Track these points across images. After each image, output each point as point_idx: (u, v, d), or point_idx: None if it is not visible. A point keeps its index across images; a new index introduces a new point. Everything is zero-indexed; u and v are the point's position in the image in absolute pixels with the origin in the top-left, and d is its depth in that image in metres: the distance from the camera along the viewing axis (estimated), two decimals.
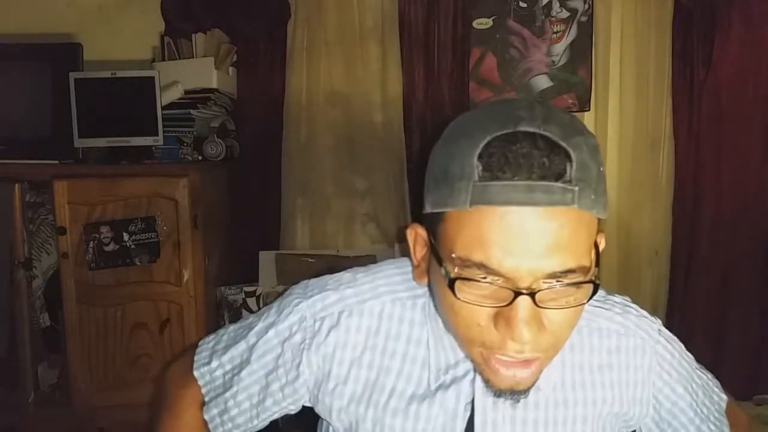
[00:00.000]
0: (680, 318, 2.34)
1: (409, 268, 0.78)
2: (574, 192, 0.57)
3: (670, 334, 0.85)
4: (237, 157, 2.38)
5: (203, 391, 0.86)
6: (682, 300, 2.35)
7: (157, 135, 2.13)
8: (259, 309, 2.26)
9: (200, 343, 0.90)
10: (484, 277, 0.60)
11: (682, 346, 0.85)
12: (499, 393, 0.67)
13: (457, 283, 0.61)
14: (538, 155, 0.57)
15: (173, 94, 2.21)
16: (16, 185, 2.11)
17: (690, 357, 0.87)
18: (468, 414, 0.75)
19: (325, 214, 2.45)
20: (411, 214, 2.41)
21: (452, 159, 0.61)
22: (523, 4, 2.33)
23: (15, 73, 2.18)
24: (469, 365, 0.74)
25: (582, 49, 2.33)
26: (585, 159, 0.59)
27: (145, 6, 2.39)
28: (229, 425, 0.84)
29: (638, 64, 2.33)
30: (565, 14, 2.32)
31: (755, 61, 2.25)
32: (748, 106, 2.27)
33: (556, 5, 2.32)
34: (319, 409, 0.81)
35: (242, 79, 2.39)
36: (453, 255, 0.61)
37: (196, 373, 0.87)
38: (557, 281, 0.60)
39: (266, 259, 2.31)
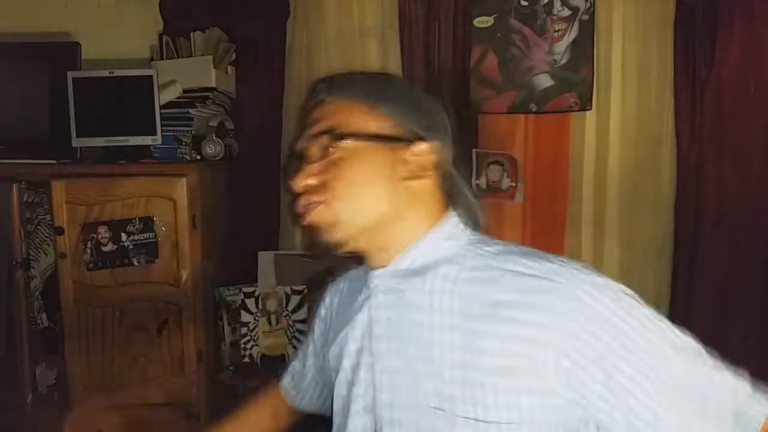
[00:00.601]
0: (682, 318, 2.32)
1: None
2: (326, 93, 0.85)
3: (615, 286, 0.73)
4: (236, 157, 2.36)
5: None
6: (684, 300, 2.33)
7: (155, 134, 2.11)
8: (258, 310, 2.26)
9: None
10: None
11: (641, 306, 0.72)
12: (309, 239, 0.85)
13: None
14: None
15: (171, 93, 2.20)
16: (14, 185, 2.11)
17: (657, 322, 0.72)
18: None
19: None
20: None
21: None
22: (524, 3, 2.31)
23: (13, 72, 2.18)
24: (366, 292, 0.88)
25: (584, 48, 2.31)
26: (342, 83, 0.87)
27: (144, 4, 2.38)
28: (292, 378, 1.13)
29: (640, 62, 2.31)
30: (566, 13, 2.31)
31: (758, 59, 2.23)
32: (751, 105, 2.25)
33: (557, 4, 2.30)
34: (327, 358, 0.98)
35: (241, 78, 2.37)
36: None
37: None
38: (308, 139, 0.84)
39: (265, 259, 2.29)
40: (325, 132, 0.81)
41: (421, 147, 0.83)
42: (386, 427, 0.79)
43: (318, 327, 1.04)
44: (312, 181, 0.81)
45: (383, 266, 0.84)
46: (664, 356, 0.70)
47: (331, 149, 0.81)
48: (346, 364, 0.87)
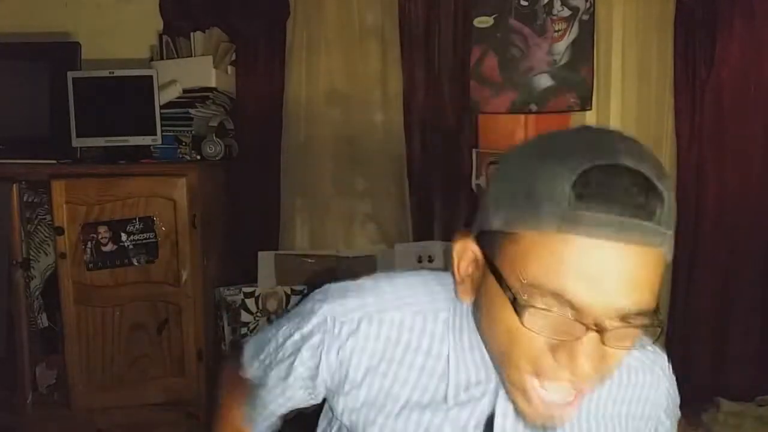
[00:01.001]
0: (682, 318, 2.32)
1: (433, 281, 0.78)
2: (665, 235, 0.58)
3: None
4: (236, 157, 2.36)
5: (251, 385, 0.94)
6: (684, 300, 2.33)
7: (155, 134, 2.11)
8: (258, 310, 2.27)
9: (245, 344, 0.95)
10: (556, 307, 0.59)
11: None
12: (532, 425, 0.66)
13: (527, 310, 0.59)
14: (637, 192, 0.57)
15: (171, 93, 2.20)
16: (14, 185, 2.11)
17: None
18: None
19: (324, 214, 2.44)
20: (412, 215, 2.39)
21: (541, 178, 0.59)
22: (524, 3, 2.31)
23: (13, 72, 2.18)
24: (488, 386, 0.72)
25: (584, 48, 2.31)
26: (672, 203, 0.59)
27: (144, 4, 2.38)
28: (262, 412, 0.91)
29: (640, 63, 2.31)
30: (566, 13, 2.31)
31: (757, 60, 2.23)
32: (750, 105, 2.25)
33: (557, 4, 2.30)
34: (332, 406, 0.82)
35: (241, 78, 2.37)
36: (523, 279, 0.60)
37: (247, 374, 0.94)
38: (629, 322, 0.59)
39: (265, 259, 2.29)
40: (647, 315, 0.60)
41: None
42: None
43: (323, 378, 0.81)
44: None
45: None
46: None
47: (636, 337, 0.62)
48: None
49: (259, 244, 2.35)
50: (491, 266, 0.64)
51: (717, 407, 2.21)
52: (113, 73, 2.11)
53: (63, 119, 2.09)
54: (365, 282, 0.81)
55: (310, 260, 2.29)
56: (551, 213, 0.57)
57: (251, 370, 0.91)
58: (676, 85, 2.28)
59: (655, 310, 0.60)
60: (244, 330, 2.19)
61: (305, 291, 2.23)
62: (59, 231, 2.00)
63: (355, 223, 2.46)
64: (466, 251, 0.68)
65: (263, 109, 2.38)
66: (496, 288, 0.62)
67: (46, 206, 2.14)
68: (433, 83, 2.35)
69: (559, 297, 0.58)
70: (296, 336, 0.82)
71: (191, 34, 2.33)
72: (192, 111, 2.19)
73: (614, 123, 2.34)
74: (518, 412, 0.66)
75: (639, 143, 0.63)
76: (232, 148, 2.34)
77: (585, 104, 2.33)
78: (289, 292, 2.23)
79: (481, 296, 0.67)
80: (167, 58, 2.32)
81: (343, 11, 2.38)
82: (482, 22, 2.34)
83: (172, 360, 2.07)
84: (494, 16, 2.33)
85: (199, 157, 2.20)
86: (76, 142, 2.12)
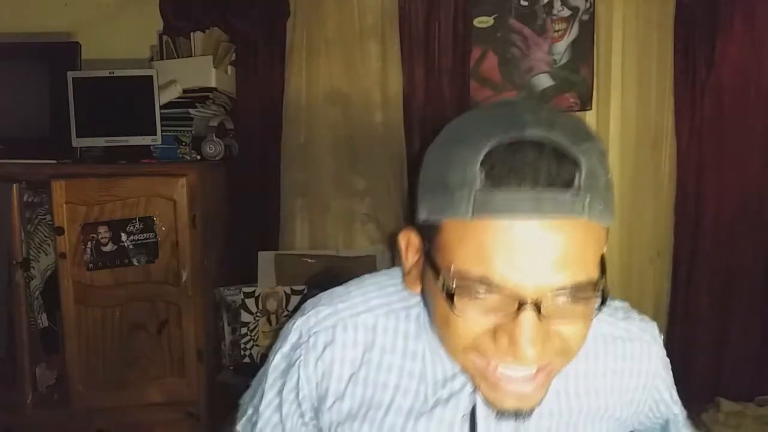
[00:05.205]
0: (682, 318, 2.32)
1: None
2: (584, 202, 0.55)
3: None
4: (236, 157, 2.36)
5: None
6: (684, 300, 2.34)
7: (155, 134, 2.11)
8: (258, 310, 2.26)
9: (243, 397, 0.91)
10: (486, 292, 0.57)
11: None
12: (501, 413, 0.63)
13: (457, 298, 0.58)
14: (545, 163, 0.55)
15: (172, 93, 2.19)
16: (14, 185, 2.10)
17: None
18: (467, 427, 0.73)
19: (324, 214, 2.44)
20: (404, 218, 2.39)
21: (451, 165, 0.58)
22: (524, 3, 2.31)
23: (13, 72, 2.17)
24: (466, 377, 0.70)
25: (583, 48, 2.31)
26: (594, 166, 0.56)
27: (144, 4, 2.37)
28: None
29: (640, 63, 2.31)
30: (566, 13, 2.31)
31: (757, 60, 2.24)
32: (750, 105, 2.26)
33: (557, 4, 2.31)
34: (319, 426, 0.81)
35: (241, 78, 2.37)
36: (452, 267, 0.58)
37: (238, 427, 0.86)
38: (565, 297, 0.57)
39: (265, 259, 2.29)
40: (586, 286, 0.58)
41: None
42: None
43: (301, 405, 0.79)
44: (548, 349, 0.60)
45: None
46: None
47: (580, 309, 0.59)
48: None
49: (259, 244, 2.35)
50: (426, 255, 0.64)
51: (717, 407, 2.21)
52: (113, 73, 2.11)
53: (63, 119, 2.09)
54: (336, 289, 0.80)
55: (310, 260, 2.29)
56: (464, 199, 0.56)
57: (245, 422, 0.85)
58: (676, 85, 2.28)
59: (596, 281, 0.58)
60: (244, 330, 2.20)
61: (305, 291, 2.22)
62: (59, 231, 2.00)
63: (355, 223, 2.46)
64: (411, 241, 0.68)
65: (263, 109, 2.38)
66: (432, 276, 0.62)
67: (46, 206, 2.14)
68: (433, 83, 2.35)
69: (486, 282, 0.57)
70: (278, 358, 0.80)
71: (191, 34, 2.33)
72: (192, 111, 2.19)
73: (614, 123, 2.34)
74: (488, 404, 0.64)
75: (552, 110, 0.61)
76: (232, 148, 2.34)
77: (585, 104, 2.33)
78: (289, 292, 2.23)
79: (424, 285, 0.67)
80: (167, 58, 2.32)
81: (343, 11, 2.38)
82: (482, 22, 2.34)
83: (172, 360, 2.07)
84: (494, 16, 2.33)
85: (199, 157, 2.20)
86: (76, 142, 2.12)
